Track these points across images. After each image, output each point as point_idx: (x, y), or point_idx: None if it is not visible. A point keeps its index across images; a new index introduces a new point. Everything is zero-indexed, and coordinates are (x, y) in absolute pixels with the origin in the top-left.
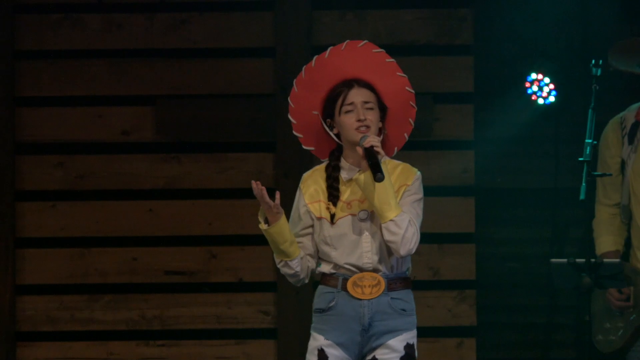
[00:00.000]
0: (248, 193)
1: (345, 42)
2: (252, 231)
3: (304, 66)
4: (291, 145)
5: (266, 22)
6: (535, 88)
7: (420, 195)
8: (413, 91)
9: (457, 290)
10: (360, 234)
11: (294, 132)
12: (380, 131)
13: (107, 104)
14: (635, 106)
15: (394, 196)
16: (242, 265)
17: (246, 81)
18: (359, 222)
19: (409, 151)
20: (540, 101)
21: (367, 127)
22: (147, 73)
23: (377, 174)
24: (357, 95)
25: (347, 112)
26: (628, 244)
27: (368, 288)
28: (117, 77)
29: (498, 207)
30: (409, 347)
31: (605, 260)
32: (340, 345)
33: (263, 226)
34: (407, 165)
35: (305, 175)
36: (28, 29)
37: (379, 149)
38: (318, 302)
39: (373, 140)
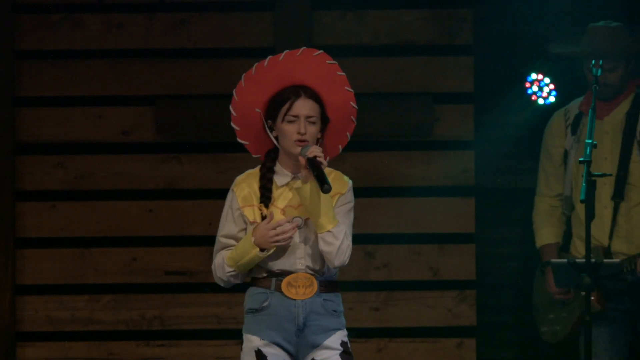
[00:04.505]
0: None
1: (301, 49)
2: None
3: (256, 63)
4: None
5: (266, 22)
6: (535, 88)
7: (353, 204)
8: (356, 107)
9: (457, 290)
10: (294, 240)
11: (232, 124)
12: (317, 141)
13: (107, 104)
14: (579, 99)
15: (332, 207)
16: None
17: None
18: None
19: (409, 151)
20: (540, 101)
21: (306, 141)
22: (147, 73)
23: (325, 185)
24: (302, 107)
25: (290, 122)
26: (566, 235)
27: (302, 289)
28: (117, 77)
29: (498, 207)
30: (344, 344)
31: (605, 260)
32: (276, 344)
33: (259, 253)
34: (339, 173)
35: (239, 178)
36: (28, 29)
37: (322, 160)
38: (250, 302)
39: (316, 151)
